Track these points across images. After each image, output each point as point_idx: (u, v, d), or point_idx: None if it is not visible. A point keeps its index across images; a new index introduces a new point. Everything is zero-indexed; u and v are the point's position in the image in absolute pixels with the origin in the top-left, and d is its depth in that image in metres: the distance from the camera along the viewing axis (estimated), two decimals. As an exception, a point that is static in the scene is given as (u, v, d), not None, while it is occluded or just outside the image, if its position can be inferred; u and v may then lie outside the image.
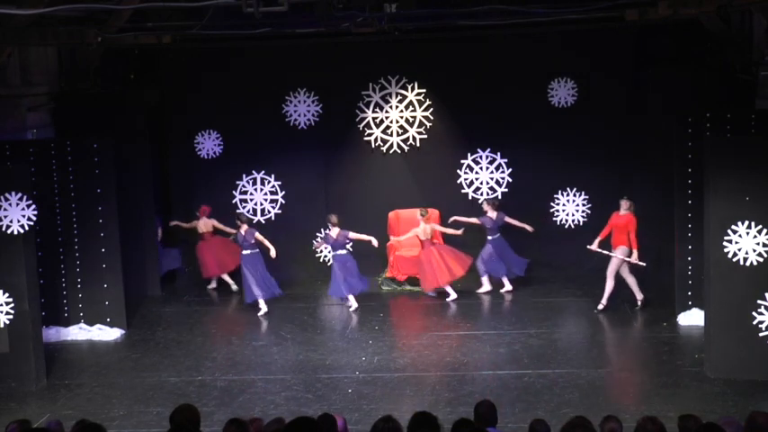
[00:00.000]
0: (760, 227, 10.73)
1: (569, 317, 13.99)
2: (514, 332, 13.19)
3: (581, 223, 16.19)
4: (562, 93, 16.04)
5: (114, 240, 13.57)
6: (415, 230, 15.12)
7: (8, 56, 12.44)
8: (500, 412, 7.19)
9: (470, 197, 16.34)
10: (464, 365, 11.96)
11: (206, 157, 16.67)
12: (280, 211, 16.53)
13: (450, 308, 14.63)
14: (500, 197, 16.13)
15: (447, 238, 15.63)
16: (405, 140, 16.48)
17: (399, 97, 16.43)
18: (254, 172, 16.67)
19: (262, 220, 16.55)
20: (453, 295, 14.95)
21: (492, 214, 15.19)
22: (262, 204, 16.68)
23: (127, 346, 13.34)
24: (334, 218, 14.68)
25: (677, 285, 13.21)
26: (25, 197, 11.30)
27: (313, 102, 16.43)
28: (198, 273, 16.38)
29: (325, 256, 16.56)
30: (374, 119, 16.47)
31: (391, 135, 16.48)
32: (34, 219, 11.38)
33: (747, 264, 10.79)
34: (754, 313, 10.79)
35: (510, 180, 16.32)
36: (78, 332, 13.59)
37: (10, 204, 11.24)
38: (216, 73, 16.43)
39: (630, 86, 15.84)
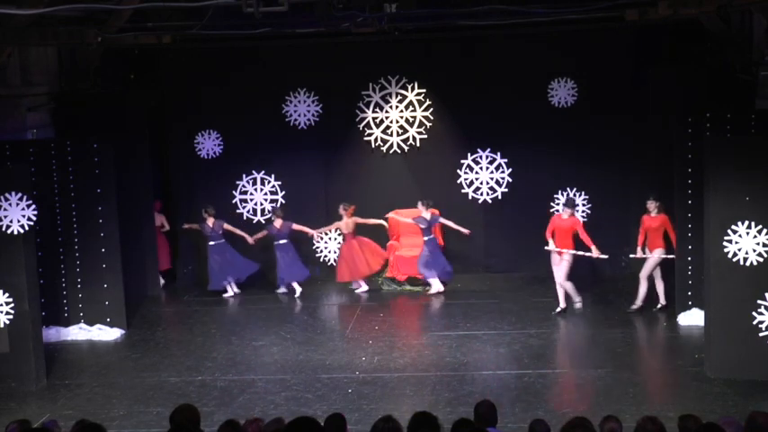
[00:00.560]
0: (760, 227, 10.73)
1: (569, 317, 13.98)
2: (514, 332, 13.19)
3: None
4: (562, 93, 16.04)
5: (114, 240, 13.57)
6: (337, 223, 15.63)
7: (8, 56, 12.44)
8: (500, 412, 7.19)
9: (470, 197, 16.34)
10: (464, 365, 11.96)
11: (206, 157, 16.67)
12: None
13: (451, 308, 14.62)
14: (499, 198, 16.16)
15: (452, 234, 15.64)
16: (405, 140, 16.48)
17: (399, 97, 16.43)
18: (254, 172, 16.67)
19: (262, 219, 16.55)
20: (365, 287, 15.58)
21: (426, 215, 15.34)
22: (262, 204, 16.68)
23: (127, 346, 13.34)
24: (279, 211, 15.73)
25: (677, 285, 13.21)
26: (25, 197, 11.30)
27: (313, 102, 16.42)
28: (198, 273, 16.39)
29: (326, 256, 16.57)
30: (374, 119, 16.47)
31: (391, 135, 16.48)
32: (34, 219, 11.38)
33: (747, 264, 10.79)
34: (754, 313, 10.79)
35: (510, 180, 16.31)
36: (78, 332, 13.59)
37: (10, 204, 11.24)
38: (216, 73, 16.43)
39: (630, 86, 15.83)
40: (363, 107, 16.46)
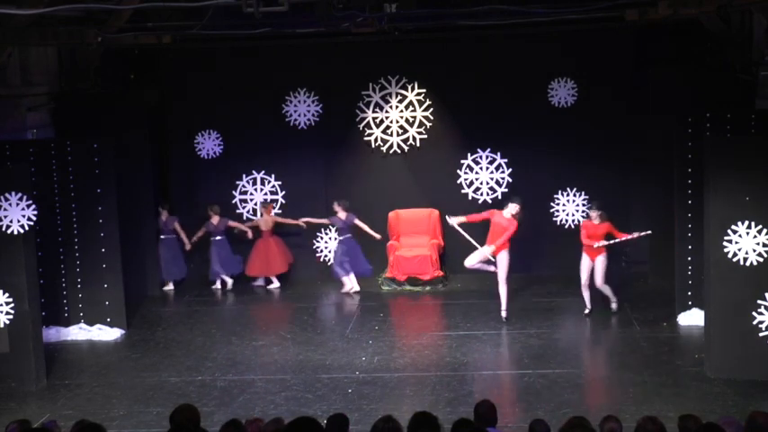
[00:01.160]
0: (760, 227, 10.72)
1: (569, 317, 13.98)
2: (514, 332, 13.19)
3: (581, 223, 16.14)
4: (562, 93, 16.03)
5: (114, 240, 13.56)
6: (256, 220, 16.06)
7: (8, 56, 12.45)
8: (500, 412, 7.19)
9: (470, 197, 16.34)
10: (464, 365, 11.96)
11: (206, 157, 16.67)
12: (280, 212, 16.51)
13: (451, 308, 14.63)
14: (499, 198, 16.16)
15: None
16: (405, 140, 16.48)
17: (399, 97, 16.42)
18: (254, 172, 16.67)
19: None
20: (262, 282, 16.04)
21: (342, 215, 15.58)
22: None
23: (127, 346, 13.34)
24: (216, 207, 16.00)
25: (677, 285, 13.21)
26: (25, 197, 11.29)
27: (313, 102, 16.42)
28: (198, 273, 16.40)
29: (326, 256, 16.58)
30: (374, 119, 16.47)
31: (391, 135, 16.48)
32: (34, 219, 11.37)
33: (747, 264, 10.79)
34: (754, 313, 10.78)
35: (510, 180, 16.31)
36: (78, 332, 13.58)
37: (10, 204, 11.24)
38: (216, 73, 16.43)
39: (630, 86, 15.83)
40: (363, 107, 16.46)
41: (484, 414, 6.85)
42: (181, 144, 16.74)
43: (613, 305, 13.90)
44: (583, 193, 16.16)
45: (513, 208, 13.67)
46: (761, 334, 10.77)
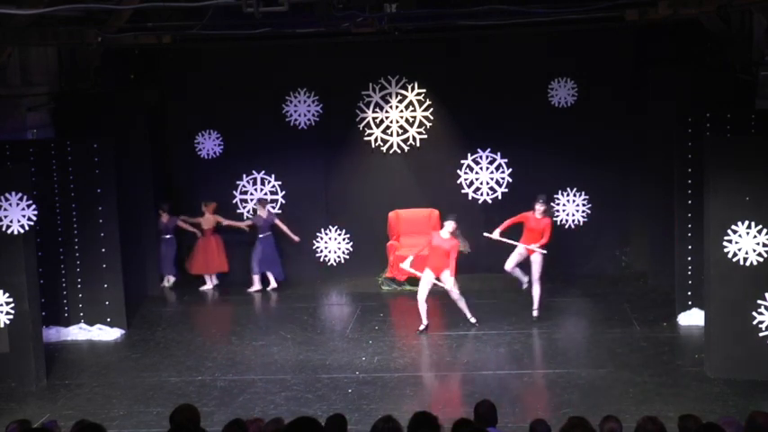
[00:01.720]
0: (760, 227, 10.72)
1: (569, 317, 13.99)
2: (514, 332, 13.19)
3: (581, 223, 16.19)
4: (562, 93, 16.03)
5: (114, 240, 13.56)
6: (199, 219, 16.16)
7: (8, 56, 12.43)
8: (500, 412, 7.20)
9: (470, 197, 16.33)
10: (464, 365, 11.96)
11: (206, 157, 16.67)
12: (280, 212, 16.51)
13: (451, 308, 14.60)
14: (499, 198, 16.15)
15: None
16: (405, 140, 16.48)
17: (399, 97, 16.42)
18: (254, 172, 16.67)
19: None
20: (213, 282, 16.21)
21: (263, 213, 15.81)
22: (262, 204, 16.69)
23: (127, 346, 13.34)
24: (166, 206, 16.13)
25: (677, 285, 13.21)
26: (25, 197, 11.30)
27: (313, 102, 16.42)
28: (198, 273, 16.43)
29: (326, 256, 16.58)
30: (374, 119, 16.47)
31: (391, 135, 16.48)
32: (34, 219, 11.37)
33: (747, 264, 10.79)
34: (754, 313, 10.78)
35: (510, 180, 16.31)
36: (78, 332, 13.58)
37: (10, 204, 11.24)
38: (216, 73, 16.44)
39: (630, 86, 15.83)
40: (363, 107, 16.46)
41: (484, 414, 6.85)
42: (181, 144, 16.75)
43: (535, 312, 13.79)
44: (583, 193, 16.17)
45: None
46: (761, 334, 10.77)
